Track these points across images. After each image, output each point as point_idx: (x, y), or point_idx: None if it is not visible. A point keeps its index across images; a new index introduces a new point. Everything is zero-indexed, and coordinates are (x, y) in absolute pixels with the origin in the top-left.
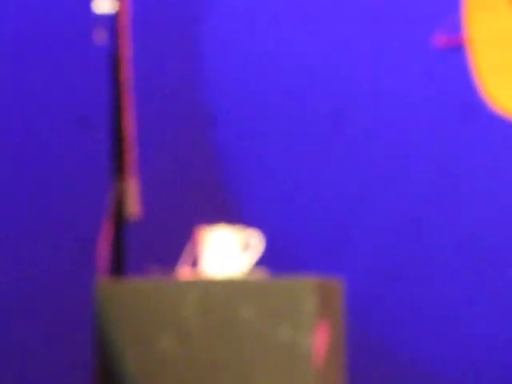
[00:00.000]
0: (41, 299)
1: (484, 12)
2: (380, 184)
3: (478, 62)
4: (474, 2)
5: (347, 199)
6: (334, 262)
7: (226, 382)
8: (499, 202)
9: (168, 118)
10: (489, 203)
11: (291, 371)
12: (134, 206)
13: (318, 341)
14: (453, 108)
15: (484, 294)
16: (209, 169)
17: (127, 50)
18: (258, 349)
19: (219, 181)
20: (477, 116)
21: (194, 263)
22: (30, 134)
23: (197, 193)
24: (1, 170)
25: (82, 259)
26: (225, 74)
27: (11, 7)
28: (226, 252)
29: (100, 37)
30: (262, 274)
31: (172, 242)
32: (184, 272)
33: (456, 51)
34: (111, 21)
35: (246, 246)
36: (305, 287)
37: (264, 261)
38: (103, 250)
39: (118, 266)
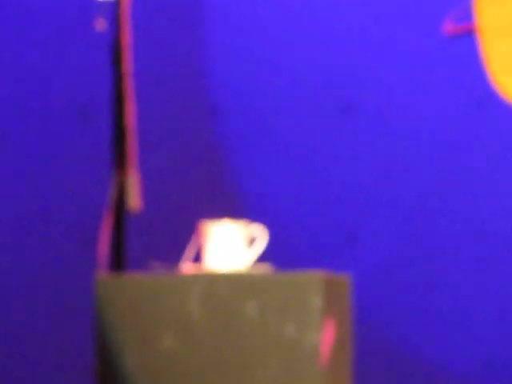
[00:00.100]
0: (39, 296)
1: (494, 0)
2: (388, 178)
3: (487, 50)
4: None
5: (355, 193)
6: (341, 257)
7: (229, 379)
8: (509, 192)
9: (170, 108)
10: (498, 194)
11: (296, 369)
12: (134, 199)
13: (324, 338)
14: (462, 97)
15: (493, 290)
16: (212, 161)
17: (128, 39)
18: (262, 346)
19: (223, 173)
20: (486, 104)
21: (197, 258)
22: (29, 125)
23: (199, 186)
24: (0, 161)
25: (81, 254)
26: (229, 63)
27: None
28: (230, 247)
29: (101, 24)
30: (267, 270)
31: (174, 237)
32: (187, 267)
33: (465, 39)
34: (112, 8)
35: (251, 241)
36: (311, 283)
37: (269, 256)
38: (103, 244)
39: (119, 262)
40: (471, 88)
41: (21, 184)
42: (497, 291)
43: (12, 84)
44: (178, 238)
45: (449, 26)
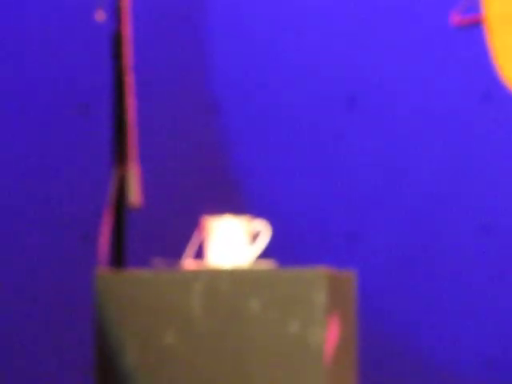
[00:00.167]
0: (39, 292)
1: None
2: (393, 172)
3: (495, 42)
4: None
5: (359, 188)
6: (345, 253)
7: (232, 377)
8: None
9: (172, 103)
10: (504, 187)
11: (300, 366)
12: (135, 194)
13: (329, 335)
14: (469, 89)
15: (499, 284)
16: (215, 156)
17: (129, 32)
18: (265, 343)
19: (225, 168)
20: (493, 97)
21: (199, 254)
22: (29, 120)
23: (201, 181)
24: (0, 156)
25: (82, 250)
26: (231, 57)
27: None
28: (233, 243)
29: (100, 16)
30: (271, 266)
31: (175, 233)
32: (188, 263)
33: (472, 31)
34: (113, 1)
35: (253, 237)
36: (315, 279)
37: (272, 253)
38: (104, 240)
39: (119, 258)
40: (478, 80)
41: (20, 179)
42: (502, 285)
43: (11, 78)
44: (179, 233)
45: (456, 18)
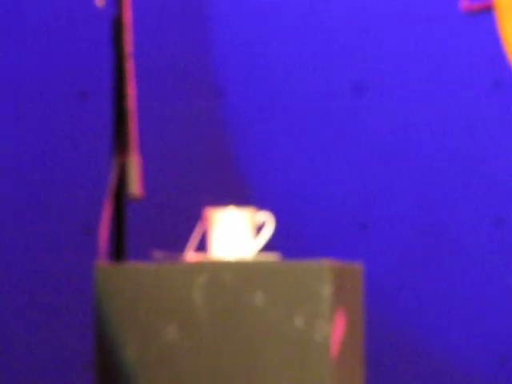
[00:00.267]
0: (39, 285)
1: None
2: (401, 162)
3: (506, 28)
4: None
5: (367, 179)
6: (351, 245)
7: (236, 373)
8: None
9: (173, 91)
10: None
11: (306, 361)
12: (135, 185)
13: (335, 329)
14: (479, 76)
15: (507, 279)
16: (218, 146)
17: (129, 18)
18: (270, 337)
19: (228, 158)
20: (504, 84)
21: (202, 247)
22: (28, 108)
23: (204, 172)
24: None
25: (82, 241)
26: (235, 43)
27: None
28: (236, 235)
29: (100, 1)
30: (275, 259)
31: (177, 225)
32: (191, 256)
33: (483, 17)
34: None
35: (257, 229)
36: (321, 272)
37: (277, 245)
38: (104, 232)
39: (119, 250)
40: (488, 67)
41: (19, 169)
42: None
43: (11, 66)
44: (181, 225)
45: (465, 4)
